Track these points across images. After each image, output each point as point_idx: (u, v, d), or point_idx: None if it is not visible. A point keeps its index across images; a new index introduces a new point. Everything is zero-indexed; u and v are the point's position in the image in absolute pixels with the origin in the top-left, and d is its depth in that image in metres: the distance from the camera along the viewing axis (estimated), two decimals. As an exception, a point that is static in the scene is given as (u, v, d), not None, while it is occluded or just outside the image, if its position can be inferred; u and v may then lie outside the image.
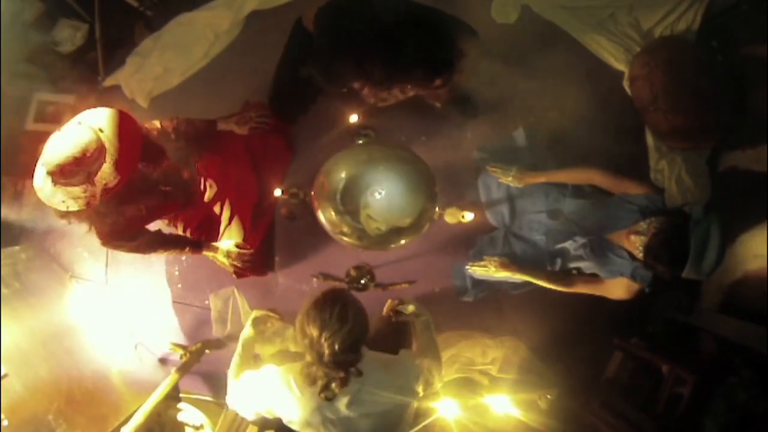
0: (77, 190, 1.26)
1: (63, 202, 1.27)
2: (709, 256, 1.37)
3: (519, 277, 1.81)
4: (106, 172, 1.26)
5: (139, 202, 1.48)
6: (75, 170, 1.24)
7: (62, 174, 1.24)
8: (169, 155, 1.51)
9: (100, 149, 1.25)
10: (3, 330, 1.78)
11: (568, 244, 1.75)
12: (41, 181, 1.28)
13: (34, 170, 1.30)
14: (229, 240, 1.89)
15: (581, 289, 1.71)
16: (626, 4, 2.17)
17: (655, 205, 1.54)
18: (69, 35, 2.35)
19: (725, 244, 1.39)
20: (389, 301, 1.68)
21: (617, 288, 1.61)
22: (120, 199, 1.39)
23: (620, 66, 2.19)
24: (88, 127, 1.27)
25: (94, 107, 1.33)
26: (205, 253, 1.87)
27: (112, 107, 1.34)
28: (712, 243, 1.37)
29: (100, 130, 1.27)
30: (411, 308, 1.61)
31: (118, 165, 1.26)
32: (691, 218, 1.41)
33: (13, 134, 2.29)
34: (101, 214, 1.40)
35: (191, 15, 2.30)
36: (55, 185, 1.26)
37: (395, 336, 1.69)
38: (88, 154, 1.24)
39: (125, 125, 1.31)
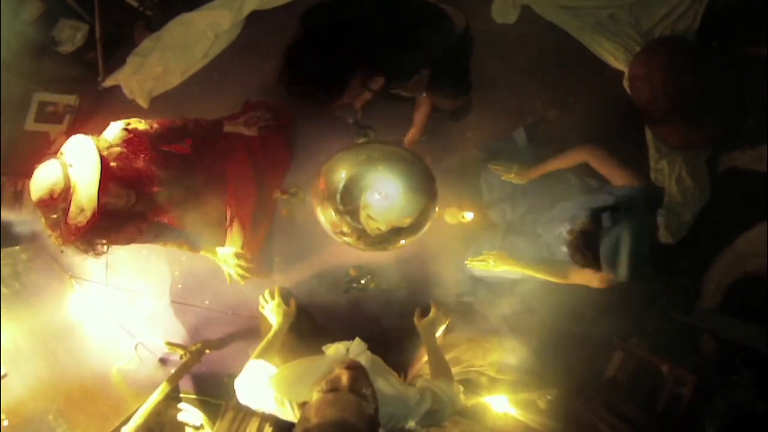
0: (54, 225, 1.26)
1: (50, 236, 1.28)
2: (621, 262, 1.39)
3: (518, 271, 1.80)
4: (73, 211, 1.23)
5: (131, 224, 1.45)
6: (49, 208, 1.23)
7: (42, 209, 1.24)
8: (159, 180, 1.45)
9: (67, 189, 1.22)
10: (3, 330, 1.78)
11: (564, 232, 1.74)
12: (35, 212, 1.29)
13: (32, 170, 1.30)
14: (228, 247, 1.85)
15: (577, 280, 1.71)
16: (626, 3, 2.16)
17: (626, 199, 1.49)
18: (69, 35, 2.35)
19: (639, 251, 1.39)
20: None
21: (594, 278, 1.61)
22: (106, 229, 1.35)
23: (620, 66, 2.19)
24: (59, 163, 1.24)
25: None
26: (203, 253, 1.85)
27: (89, 134, 1.30)
28: (623, 250, 1.38)
29: (71, 166, 1.24)
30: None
31: (83, 205, 1.23)
32: (602, 226, 1.42)
33: (13, 134, 2.29)
34: (91, 243, 1.36)
35: (191, 15, 2.30)
36: (43, 218, 1.26)
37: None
38: (54, 195, 1.22)
39: (95, 161, 1.24)
